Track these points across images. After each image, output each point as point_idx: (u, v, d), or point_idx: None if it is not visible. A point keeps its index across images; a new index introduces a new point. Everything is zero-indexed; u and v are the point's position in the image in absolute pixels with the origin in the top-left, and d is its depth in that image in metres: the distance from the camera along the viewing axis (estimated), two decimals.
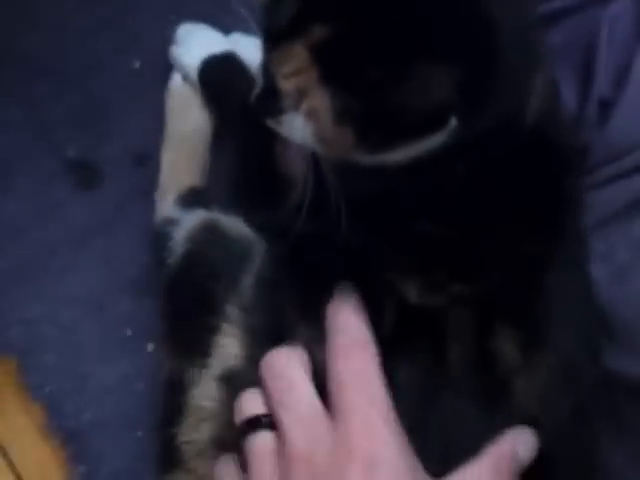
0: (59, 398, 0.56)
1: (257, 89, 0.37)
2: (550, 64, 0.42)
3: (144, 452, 0.53)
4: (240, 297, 0.44)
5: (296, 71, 0.34)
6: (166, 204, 0.54)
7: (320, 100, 0.34)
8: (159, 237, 0.52)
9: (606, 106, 0.46)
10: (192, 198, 0.54)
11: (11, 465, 0.55)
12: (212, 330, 0.44)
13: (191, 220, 0.50)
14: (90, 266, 0.58)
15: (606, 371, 0.43)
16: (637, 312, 0.43)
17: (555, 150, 0.41)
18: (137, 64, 0.62)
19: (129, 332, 0.57)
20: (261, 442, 0.37)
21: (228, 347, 0.43)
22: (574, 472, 0.40)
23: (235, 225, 0.49)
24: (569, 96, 0.48)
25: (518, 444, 0.37)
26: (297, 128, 0.36)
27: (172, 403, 0.45)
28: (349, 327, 0.38)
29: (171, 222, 0.51)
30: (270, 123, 0.37)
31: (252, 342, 0.43)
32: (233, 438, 0.40)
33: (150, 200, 0.57)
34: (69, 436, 0.55)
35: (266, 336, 0.42)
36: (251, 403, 0.39)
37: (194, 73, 0.57)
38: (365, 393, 0.36)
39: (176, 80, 0.59)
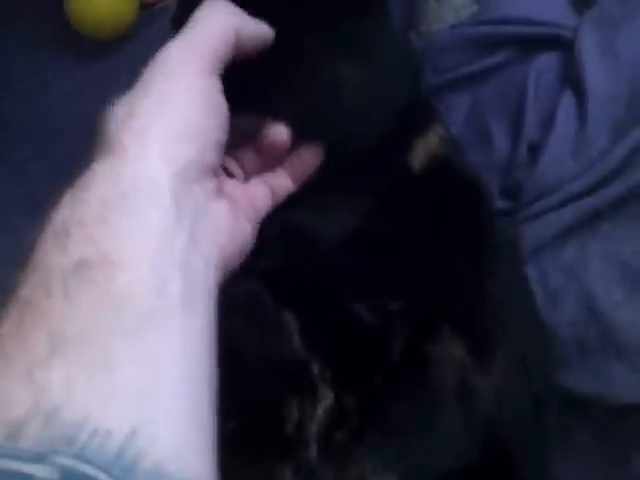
0: None
1: None
2: (444, 123, 0.45)
3: None
4: None
5: None
6: None
7: None
8: None
9: (535, 149, 0.50)
10: None
11: None
12: None
13: None
14: None
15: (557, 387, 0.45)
16: (570, 333, 0.46)
17: (461, 182, 0.44)
18: None
19: None
20: None
21: None
22: (531, 465, 0.41)
23: None
24: (503, 141, 0.53)
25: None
26: None
27: None
28: None
29: None
30: None
31: None
32: None
33: None
34: None
35: None
36: None
37: None
38: None
39: None
